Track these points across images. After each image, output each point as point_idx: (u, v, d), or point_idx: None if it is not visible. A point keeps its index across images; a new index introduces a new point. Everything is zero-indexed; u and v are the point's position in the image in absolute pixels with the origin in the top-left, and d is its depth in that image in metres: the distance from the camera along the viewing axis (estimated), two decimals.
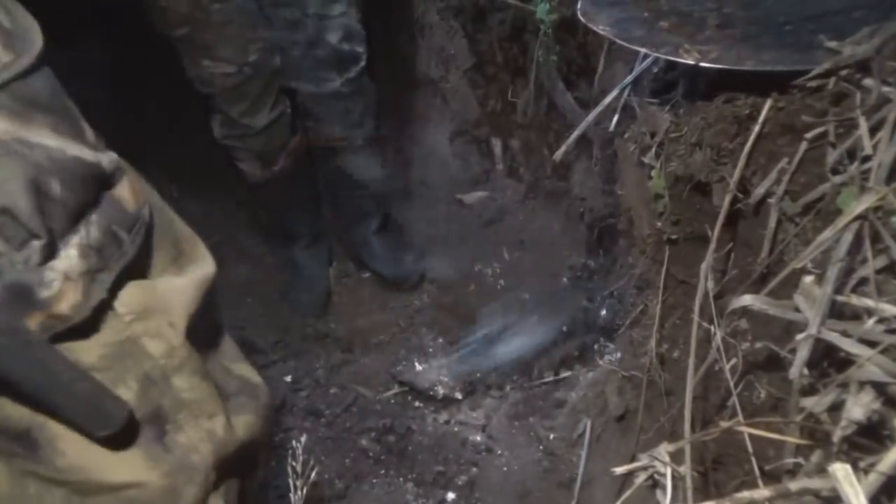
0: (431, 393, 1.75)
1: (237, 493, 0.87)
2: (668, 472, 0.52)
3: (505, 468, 1.57)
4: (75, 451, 0.69)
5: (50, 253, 0.64)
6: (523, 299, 2.03)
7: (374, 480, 1.58)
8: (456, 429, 1.68)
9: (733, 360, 0.77)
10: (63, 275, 0.65)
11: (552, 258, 2.11)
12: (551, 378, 1.74)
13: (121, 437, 0.69)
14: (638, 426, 1.14)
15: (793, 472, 0.63)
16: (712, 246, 0.76)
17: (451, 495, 1.53)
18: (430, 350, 1.87)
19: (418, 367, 1.81)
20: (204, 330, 0.81)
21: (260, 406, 0.86)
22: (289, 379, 1.89)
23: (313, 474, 1.12)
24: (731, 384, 0.71)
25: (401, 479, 1.58)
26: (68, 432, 0.68)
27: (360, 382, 1.85)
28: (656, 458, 0.52)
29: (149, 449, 0.72)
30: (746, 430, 0.56)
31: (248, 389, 0.86)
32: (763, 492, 0.49)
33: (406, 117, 2.28)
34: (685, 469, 0.55)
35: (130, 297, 0.70)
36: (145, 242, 0.73)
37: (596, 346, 1.75)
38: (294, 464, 1.12)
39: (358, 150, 1.92)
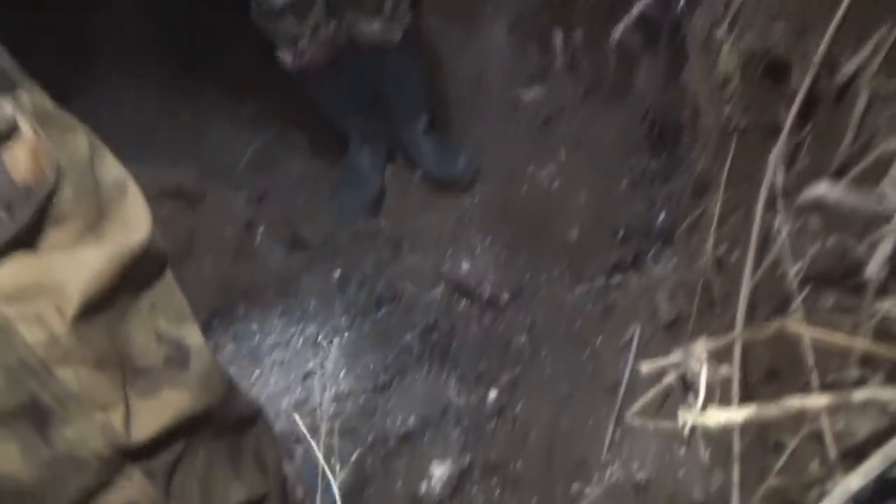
0: (478, 292, 1.72)
1: (183, 459, 0.82)
2: (704, 371, 0.46)
3: (549, 370, 1.55)
4: None
5: None
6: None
7: (417, 375, 1.59)
8: (501, 329, 1.66)
9: (799, 264, 0.69)
10: None
11: (611, 160, 1.99)
12: (602, 283, 1.69)
13: None
14: (688, 333, 1.09)
15: (859, 386, 0.57)
16: (785, 131, 0.66)
17: (492, 394, 1.53)
18: (479, 250, 1.83)
19: (465, 267, 1.78)
20: (126, 295, 0.75)
21: (191, 377, 0.80)
22: (337, 275, 1.90)
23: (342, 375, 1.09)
24: (795, 286, 0.64)
25: (443, 375, 1.59)
26: None
27: (407, 280, 1.84)
28: (690, 355, 0.47)
29: (25, 441, 0.68)
30: (807, 331, 0.49)
31: (177, 358, 0.80)
32: (818, 399, 0.43)
33: (459, 6, 2.14)
34: (727, 370, 0.50)
35: (5, 276, 0.63)
36: (40, 214, 0.65)
37: (652, 252, 1.67)
38: (323, 370, 1.12)
39: (398, 47, 1.83)
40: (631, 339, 1.40)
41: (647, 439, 1.28)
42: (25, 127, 0.63)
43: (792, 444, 0.52)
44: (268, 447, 1.02)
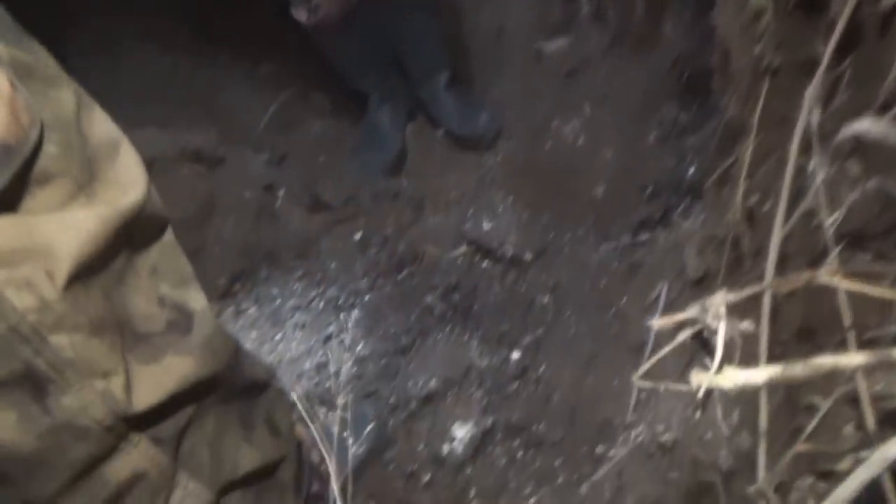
0: (500, 253, 1.68)
1: (192, 423, 0.81)
2: (721, 327, 0.42)
3: (572, 330, 1.51)
4: None
5: None
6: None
7: (439, 336, 1.57)
8: (523, 289, 1.62)
9: (836, 213, 0.63)
10: None
11: (639, 113, 1.91)
12: (628, 240, 1.63)
13: None
14: (717, 289, 1.03)
15: None
16: (822, 66, 0.60)
17: (515, 354, 1.50)
18: (501, 210, 1.78)
19: (488, 226, 1.74)
20: (123, 258, 0.72)
21: (195, 341, 0.78)
22: (358, 237, 1.87)
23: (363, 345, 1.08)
24: (830, 237, 0.58)
25: (465, 336, 1.56)
26: None
27: (429, 241, 1.80)
28: (706, 311, 0.42)
29: (22, 410, 0.66)
30: (843, 283, 0.44)
31: (180, 323, 0.77)
32: (854, 358, 0.38)
33: None
34: (748, 326, 0.45)
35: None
36: (22, 173, 0.61)
37: (680, 208, 1.60)
38: (344, 332, 1.10)
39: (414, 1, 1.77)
40: (657, 298, 1.35)
41: (672, 400, 1.24)
42: (1, 80, 0.60)
43: (824, 406, 0.47)
44: (281, 412, 1.01)
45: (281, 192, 2.01)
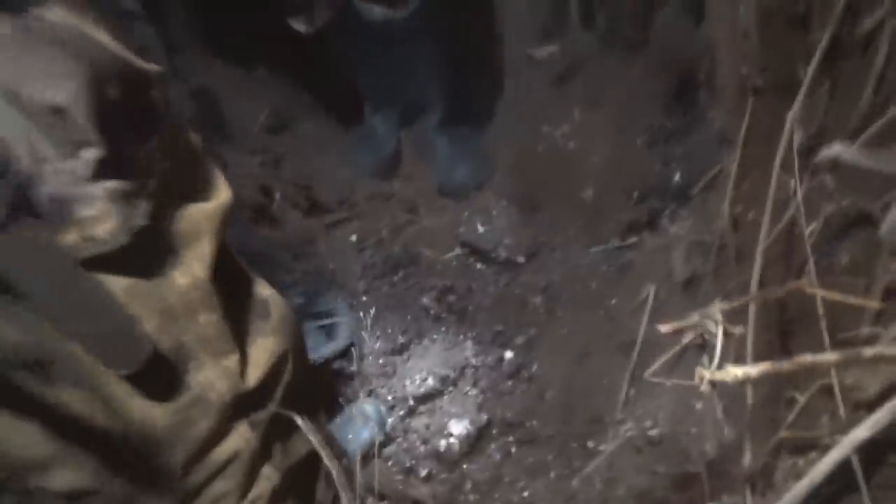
0: (493, 255, 1.73)
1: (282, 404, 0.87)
2: (720, 331, 0.47)
3: (564, 330, 1.57)
4: (94, 384, 0.66)
5: (101, 169, 0.58)
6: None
7: (435, 337, 1.61)
8: (517, 291, 1.67)
9: (814, 224, 0.69)
10: (107, 194, 0.59)
11: (627, 118, 1.97)
12: (617, 243, 1.69)
13: (141, 375, 0.67)
14: (703, 292, 1.09)
15: (870, 343, 0.58)
16: (803, 89, 0.66)
17: (508, 354, 1.56)
18: (494, 212, 1.83)
19: (481, 229, 1.79)
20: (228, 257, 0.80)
21: (270, 324, 0.85)
22: (353, 238, 1.91)
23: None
24: (809, 246, 0.64)
25: (460, 336, 1.61)
26: (85, 364, 0.65)
27: (424, 243, 1.85)
28: (707, 317, 0.48)
29: (165, 385, 0.70)
30: (819, 291, 0.49)
31: (259, 310, 0.85)
32: (829, 356, 0.44)
33: None
34: (741, 330, 0.50)
35: (163, 224, 0.66)
36: (180, 166, 0.67)
37: (667, 212, 1.66)
38: (366, 323, 1.16)
39: (406, 29, 1.78)
40: (646, 299, 1.40)
41: (660, 398, 1.30)
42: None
43: (804, 398, 0.53)
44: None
45: (277, 195, 2.04)
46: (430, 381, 1.51)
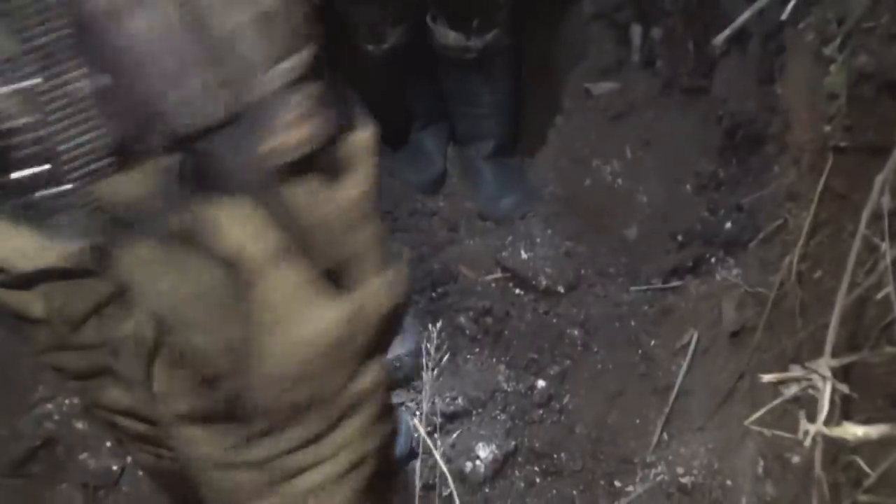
0: (534, 282, 1.74)
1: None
2: (828, 388, 0.48)
3: (599, 366, 1.56)
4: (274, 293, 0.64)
5: (299, 76, 0.57)
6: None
7: (469, 356, 1.62)
8: (554, 320, 1.67)
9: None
10: (306, 102, 0.58)
11: (678, 162, 1.97)
12: (659, 285, 1.68)
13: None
14: (754, 344, 1.09)
15: None
16: (895, 155, 0.66)
17: (541, 383, 1.55)
18: (538, 240, 1.84)
19: (524, 256, 1.79)
20: None
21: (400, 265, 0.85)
22: (394, 251, 1.92)
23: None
24: None
25: (494, 359, 1.61)
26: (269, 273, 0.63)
27: (464, 263, 1.86)
28: (815, 371, 0.48)
29: (337, 296, 0.71)
30: None
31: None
32: None
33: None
34: (843, 387, 0.51)
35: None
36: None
37: (713, 260, 1.66)
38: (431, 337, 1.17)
39: (475, 64, 1.80)
40: (687, 344, 1.40)
41: (695, 445, 1.29)
42: None
43: (884, 464, 0.52)
44: None
45: None
46: (460, 401, 1.51)
